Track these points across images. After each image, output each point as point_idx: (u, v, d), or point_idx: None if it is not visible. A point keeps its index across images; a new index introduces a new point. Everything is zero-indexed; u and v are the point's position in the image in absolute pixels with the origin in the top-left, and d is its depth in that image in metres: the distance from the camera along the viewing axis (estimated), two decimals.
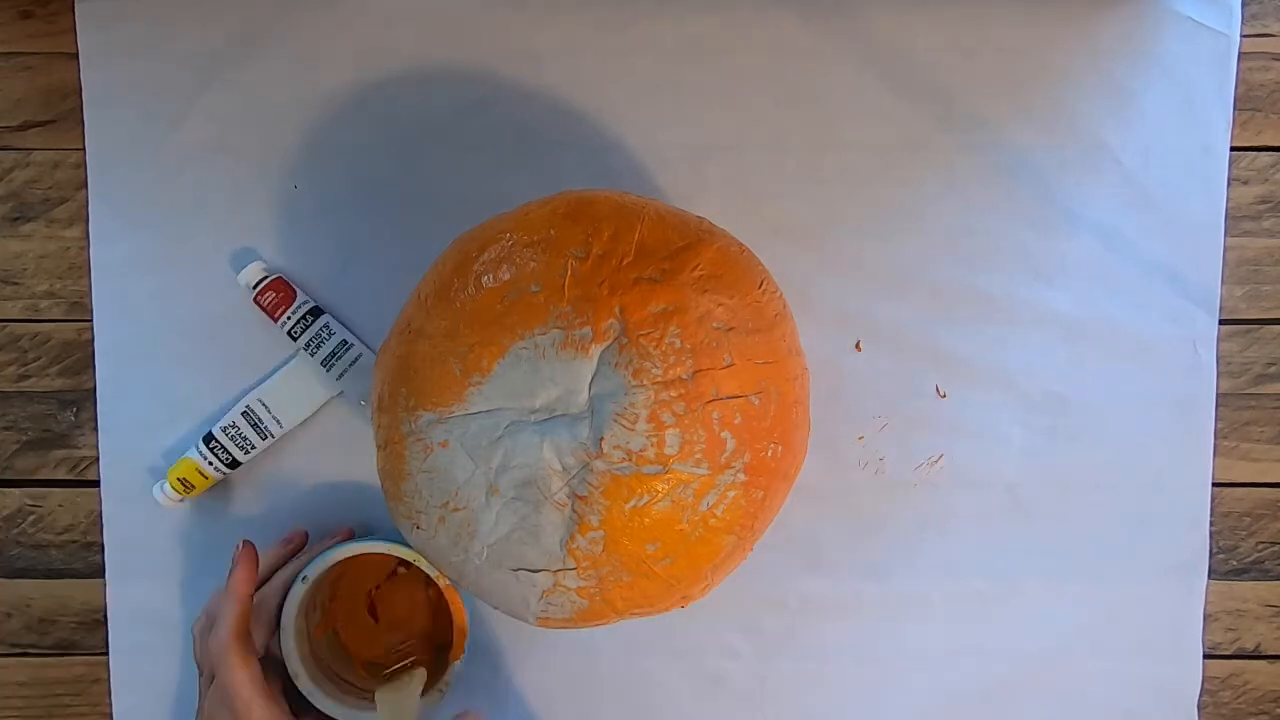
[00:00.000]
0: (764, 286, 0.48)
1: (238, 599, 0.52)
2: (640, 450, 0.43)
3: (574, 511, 0.44)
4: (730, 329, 0.45)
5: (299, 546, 0.59)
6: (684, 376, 0.44)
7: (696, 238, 0.47)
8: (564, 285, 0.44)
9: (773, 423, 0.46)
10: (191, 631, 0.55)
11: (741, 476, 0.45)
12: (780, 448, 0.47)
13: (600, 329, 0.44)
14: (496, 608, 0.49)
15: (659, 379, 0.44)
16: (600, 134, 0.60)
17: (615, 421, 0.43)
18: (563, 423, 0.44)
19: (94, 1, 0.60)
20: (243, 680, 0.50)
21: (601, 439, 0.43)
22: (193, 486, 0.58)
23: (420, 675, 0.56)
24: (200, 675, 0.53)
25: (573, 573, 0.45)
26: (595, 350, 0.44)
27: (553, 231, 0.46)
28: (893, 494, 0.61)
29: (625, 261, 0.45)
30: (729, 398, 0.44)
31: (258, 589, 0.54)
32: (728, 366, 0.45)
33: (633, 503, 0.43)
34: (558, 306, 0.44)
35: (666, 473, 0.43)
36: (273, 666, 0.54)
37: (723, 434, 0.44)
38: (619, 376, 0.44)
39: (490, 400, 0.45)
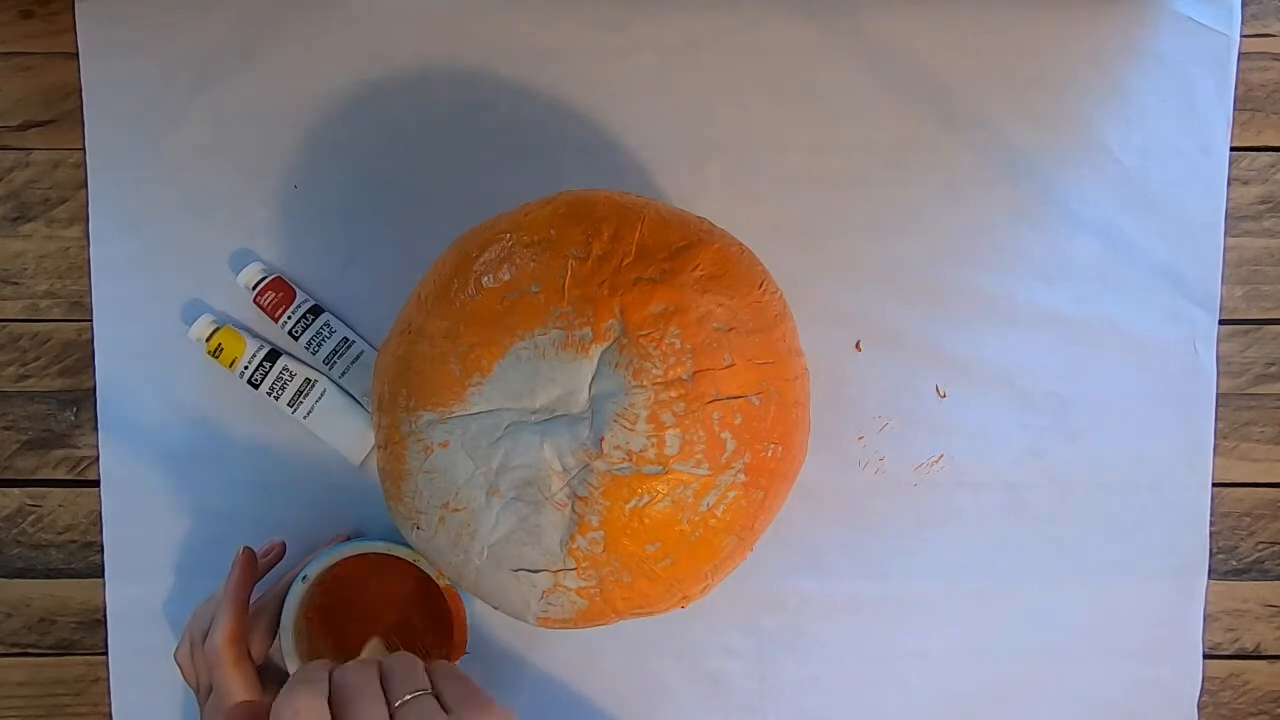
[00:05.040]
0: (764, 286, 0.48)
1: (234, 604, 0.51)
2: (640, 451, 0.43)
3: (574, 512, 0.44)
4: (730, 329, 0.45)
5: (278, 557, 0.58)
6: (684, 377, 0.44)
7: (696, 238, 0.47)
8: (564, 285, 0.44)
9: (773, 423, 0.46)
10: (175, 658, 0.53)
11: (742, 477, 0.45)
12: (780, 448, 0.47)
13: (600, 329, 0.44)
14: (497, 608, 0.49)
15: (659, 379, 0.44)
16: (600, 134, 0.60)
17: (615, 422, 0.43)
18: (563, 423, 0.44)
19: (94, 1, 0.60)
20: (239, 685, 0.49)
21: (602, 439, 0.43)
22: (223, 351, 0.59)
23: None
24: (197, 693, 0.52)
25: (573, 573, 0.45)
26: (595, 350, 0.44)
27: (553, 232, 0.46)
28: (893, 494, 0.61)
29: (625, 262, 0.45)
30: (729, 398, 0.44)
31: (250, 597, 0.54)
32: (728, 367, 0.45)
33: (633, 503, 0.43)
34: (558, 307, 0.44)
35: (667, 473, 0.43)
36: (272, 675, 0.53)
37: (723, 434, 0.44)
38: (619, 377, 0.44)
39: (490, 400, 0.44)
